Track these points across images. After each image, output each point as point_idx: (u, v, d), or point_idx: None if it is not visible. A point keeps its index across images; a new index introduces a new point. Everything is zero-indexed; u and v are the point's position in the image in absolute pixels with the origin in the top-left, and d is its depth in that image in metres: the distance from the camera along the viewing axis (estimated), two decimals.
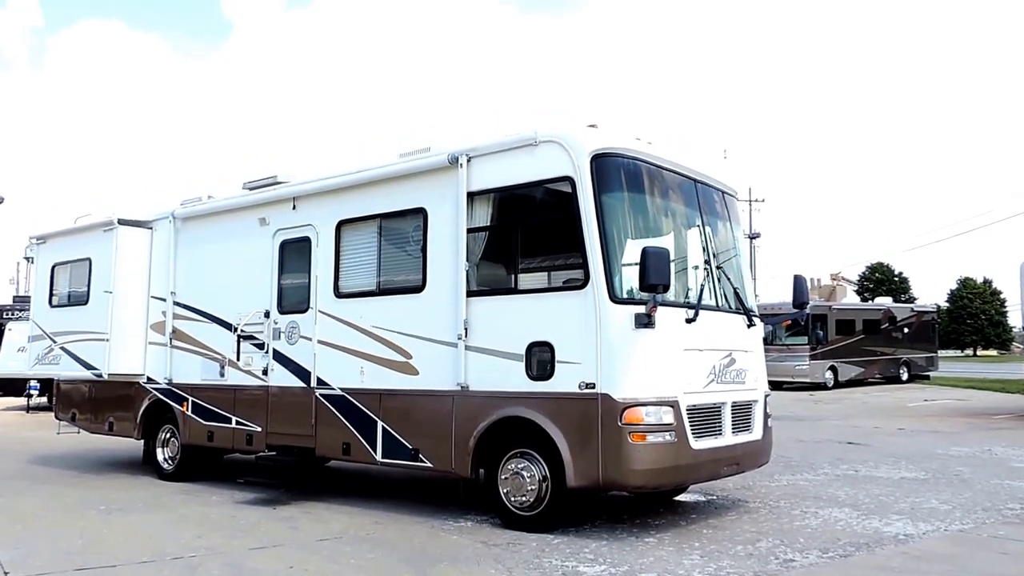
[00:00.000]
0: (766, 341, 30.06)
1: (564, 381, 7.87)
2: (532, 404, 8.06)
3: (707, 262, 8.77)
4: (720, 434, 8.41)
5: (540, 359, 8.04)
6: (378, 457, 9.20)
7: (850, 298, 53.76)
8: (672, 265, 7.74)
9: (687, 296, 8.53)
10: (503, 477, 8.27)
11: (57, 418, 13.78)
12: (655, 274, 7.33)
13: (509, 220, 8.57)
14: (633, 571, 6.74)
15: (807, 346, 32.12)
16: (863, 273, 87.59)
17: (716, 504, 9.69)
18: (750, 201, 55.24)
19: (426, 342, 8.88)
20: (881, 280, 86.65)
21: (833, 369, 32.74)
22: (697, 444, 8.00)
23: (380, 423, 9.19)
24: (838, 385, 32.78)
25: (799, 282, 9.87)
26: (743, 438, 8.76)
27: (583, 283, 7.83)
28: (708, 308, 8.49)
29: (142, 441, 12.29)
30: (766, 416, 9.27)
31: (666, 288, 7.51)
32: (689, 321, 8.12)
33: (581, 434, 7.74)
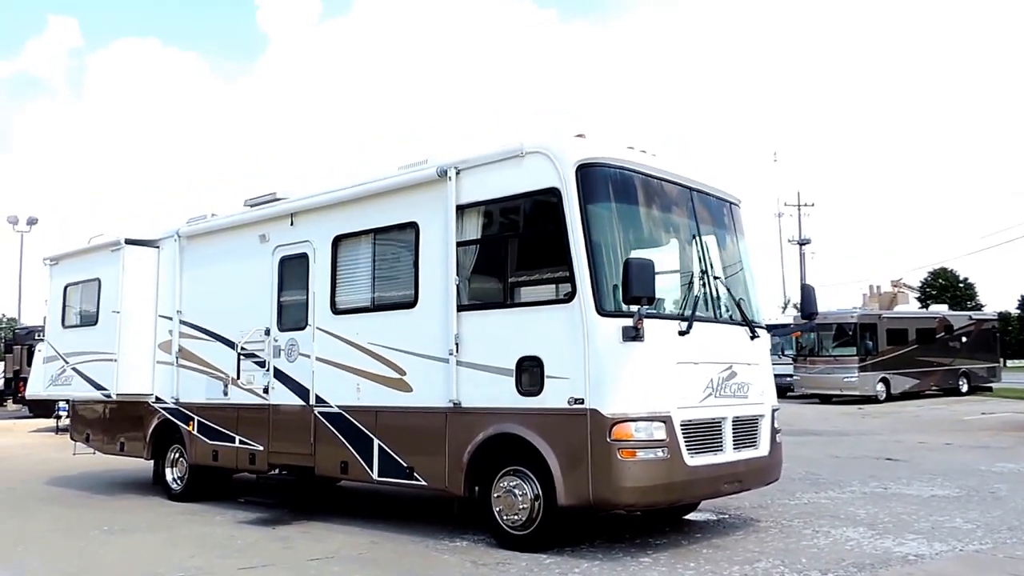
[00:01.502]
0: (812, 352, 29.70)
1: (553, 397, 7.61)
2: (523, 420, 7.82)
3: (704, 273, 8.45)
4: (720, 450, 8.05)
5: (530, 374, 7.80)
6: (375, 476, 9.02)
7: (912, 306, 52.28)
8: (659, 276, 7.45)
9: (682, 308, 8.20)
10: (496, 495, 8.03)
11: (72, 439, 13.87)
12: (638, 286, 7.05)
13: (498, 233, 8.39)
14: None
15: (856, 357, 31.14)
16: (925, 279, 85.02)
17: (725, 523, 9.30)
18: (799, 206, 54.21)
19: (419, 358, 8.70)
20: (944, 286, 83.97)
21: (885, 381, 31.66)
22: (693, 460, 7.66)
23: (376, 441, 9.02)
24: (891, 398, 31.70)
25: (807, 292, 9.52)
26: (746, 454, 8.38)
27: (570, 296, 7.59)
28: (704, 320, 8.18)
29: (152, 461, 12.25)
30: (774, 431, 8.88)
31: (651, 300, 7.22)
32: (682, 333, 7.81)
33: (571, 451, 7.47)
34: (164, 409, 11.74)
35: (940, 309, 40.37)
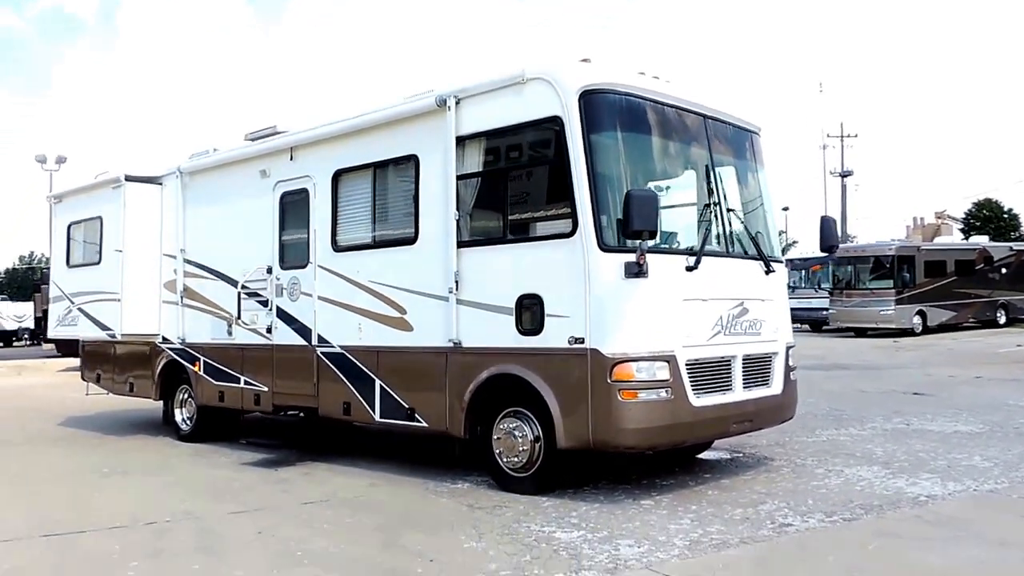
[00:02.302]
0: (849, 286, 29.28)
1: (554, 336, 7.32)
2: (522, 361, 7.55)
3: (715, 204, 8.02)
4: (729, 390, 7.75)
5: (530, 313, 7.51)
6: (376, 417, 8.84)
7: (956, 237, 51.00)
8: (668, 210, 7.14)
9: (691, 243, 7.81)
10: (496, 437, 7.82)
11: (83, 379, 13.86)
12: (640, 219, 6.67)
13: (499, 165, 8.01)
14: (611, 536, 6.23)
15: (892, 290, 30.47)
16: (969, 211, 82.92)
17: (738, 463, 9.05)
18: (841, 137, 52.77)
19: (419, 296, 8.43)
20: (988, 217, 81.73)
21: (921, 314, 30.97)
22: (699, 401, 7.37)
23: (378, 381, 8.82)
24: (927, 331, 31.04)
25: (826, 224, 9.02)
26: (758, 393, 8.07)
27: (571, 231, 7.23)
28: (715, 254, 7.81)
29: (161, 402, 12.20)
30: (788, 369, 8.53)
31: (653, 235, 6.84)
32: (690, 269, 7.45)
33: (571, 392, 7.21)
34: (171, 349, 11.63)
35: (980, 240, 39.29)
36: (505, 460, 7.76)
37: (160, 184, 11.92)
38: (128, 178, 11.78)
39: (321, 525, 6.90)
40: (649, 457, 9.18)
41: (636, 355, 7.02)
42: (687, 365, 7.28)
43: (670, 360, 7.15)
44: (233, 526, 7.00)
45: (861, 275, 31.81)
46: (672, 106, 7.89)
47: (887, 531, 6.20)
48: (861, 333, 31.52)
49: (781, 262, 8.86)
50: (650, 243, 7.02)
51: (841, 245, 38.82)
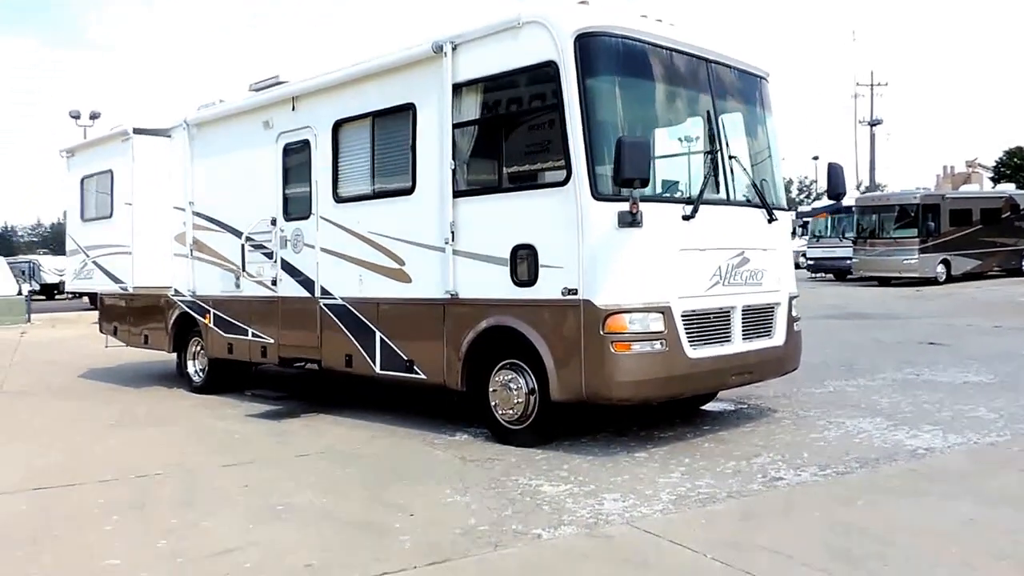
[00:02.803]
0: (872, 235, 28.76)
1: (547, 287, 7.25)
2: (517, 312, 7.50)
3: (716, 152, 7.83)
4: (728, 341, 7.65)
5: (524, 263, 7.42)
6: (377, 369, 8.85)
7: (987, 186, 49.97)
8: (668, 157, 6.96)
9: (689, 191, 7.67)
10: (492, 389, 7.80)
11: (101, 331, 14.01)
12: (631, 167, 6.51)
13: (494, 113, 7.85)
14: (598, 490, 6.22)
15: (916, 239, 29.92)
16: (999, 159, 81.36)
17: (740, 414, 8.98)
18: (871, 86, 51.62)
19: (417, 247, 8.37)
20: (1020, 166, 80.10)
21: (945, 263, 30.41)
22: (695, 353, 7.28)
23: (378, 333, 8.81)
24: (951, 280, 30.52)
25: (834, 171, 8.78)
26: (759, 344, 7.97)
27: (565, 179, 7.09)
28: (715, 203, 7.65)
29: (175, 354, 12.31)
30: (792, 320, 8.43)
31: (645, 183, 6.69)
32: (687, 218, 7.30)
33: (564, 344, 7.15)
34: (182, 302, 11.69)
35: (1007, 188, 38.46)
36: (501, 413, 7.75)
37: (169, 137, 11.89)
38: (136, 131, 11.77)
39: (310, 478, 6.94)
40: (652, 409, 9.14)
41: (630, 306, 6.94)
42: (683, 316, 7.19)
43: (665, 312, 7.06)
44: (222, 479, 7.06)
45: (885, 224, 31.25)
46: (673, 50, 7.66)
47: (879, 486, 6.12)
48: (885, 282, 31.03)
49: (786, 210, 8.69)
50: (644, 192, 6.89)
51: (865, 194, 38.33)
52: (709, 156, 7.83)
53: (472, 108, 7.95)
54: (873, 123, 50.56)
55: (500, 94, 7.76)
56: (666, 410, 9.05)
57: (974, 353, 12.94)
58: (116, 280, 12.15)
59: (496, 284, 7.61)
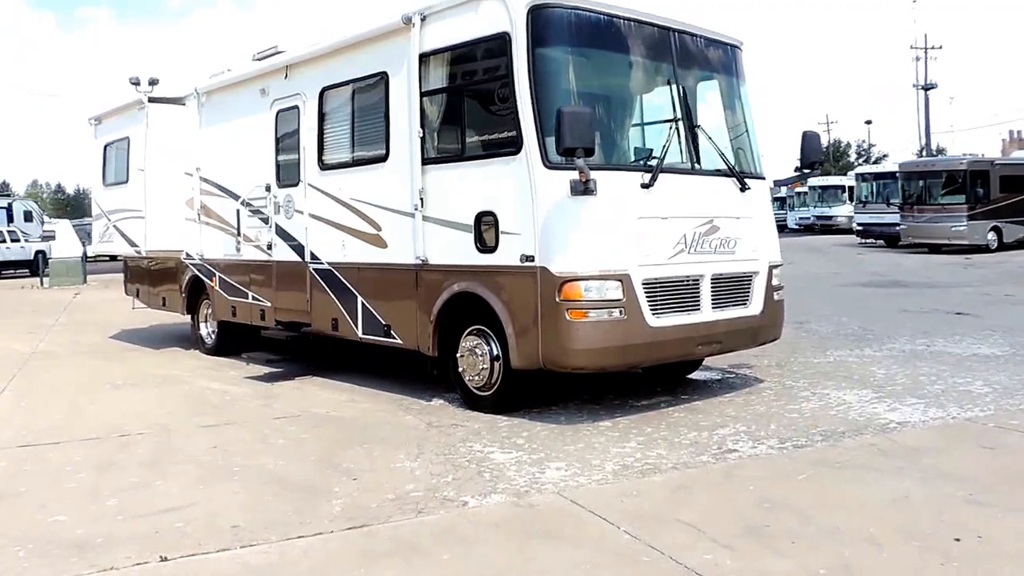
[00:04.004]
0: (920, 201, 27.89)
1: (507, 254, 7.24)
2: (481, 279, 7.51)
3: (678, 121, 7.70)
4: (696, 310, 7.53)
5: (486, 230, 7.43)
6: (360, 333, 8.94)
7: None
8: (617, 126, 6.86)
9: (649, 159, 7.54)
10: (459, 355, 7.83)
11: (126, 293, 14.37)
12: (572, 136, 6.44)
13: (457, 83, 7.89)
14: (545, 459, 6.21)
15: (965, 205, 28.93)
16: None
17: (725, 383, 8.86)
18: (925, 49, 49.80)
19: (392, 213, 8.41)
20: None
21: (996, 230, 29.38)
22: (657, 321, 7.18)
23: (360, 298, 8.89)
24: (1003, 247, 29.51)
25: (808, 139, 8.50)
26: (731, 313, 7.82)
27: (517, 149, 7.08)
28: (677, 171, 7.54)
29: (189, 316, 12.58)
30: (772, 289, 8.25)
31: (589, 152, 6.59)
32: (645, 186, 7.19)
33: (523, 311, 7.14)
34: (193, 265, 11.90)
35: None
36: (468, 378, 7.77)
37: (183, 105, 12.05)
38: (151, 99, 12.02)
39: (277, 440, 7.08)
40: (636, 377, 9.10)
41: (585, 274, 6.87)
42: (644, 284, 7.09)
43: (623, 279, 6.97)
44: (196, 440, 7.21)
45: (932, 190, 30.27)
46: (632, 20, 7.57)
47: (831, 460, 5.98)
48: (935, 249, 30.08)
49: (761, 179, 8.48)
50: (599, 160, 6.87)
51: (911, 159, 37.11)
52: (671, 125, 7.70)
53: (437, 78, 7.98)
54: (927, 87, 48.82)
55: (462, 64, 7.80)
56: (650, 378, 8.99)
57: (999, 324, 12.51)
58: (132, 244, 12.47)
59: (462, 250, 7.62)
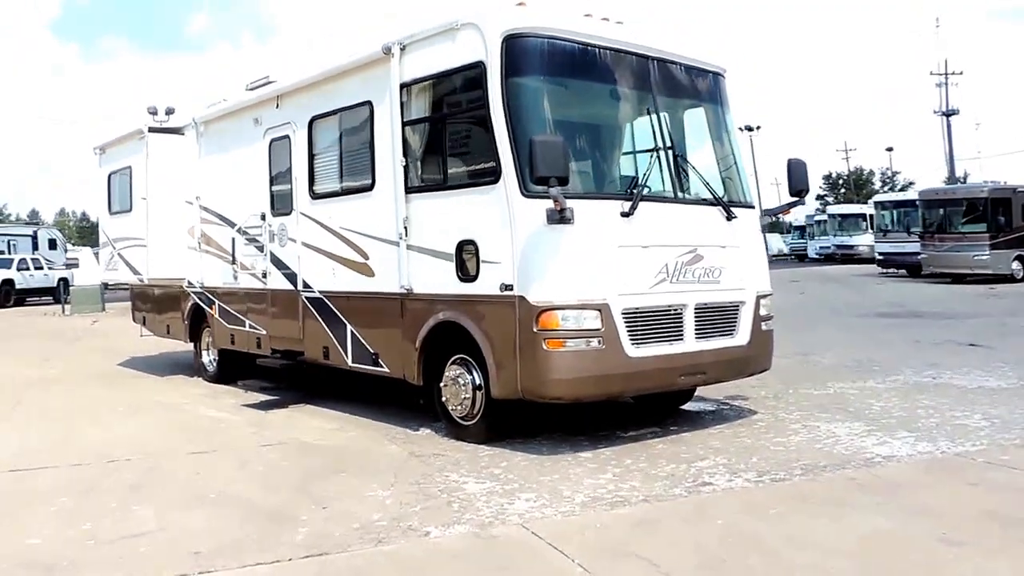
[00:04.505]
0: (940, 229, 27.40)
1: (487, 283, 7.22)
2: (462, 308, 7.49)
3: (660, 149, 7.67)
4: (678, 340, 7.43)
5: (467, 259, 7.42)
6: (349, 362, 8.94)
7: None
8: (595, 154, 6.87)
9: (630, 188, 7.48)
10: (443, 385, 7.79)
11: (134, 321, 14.50)
12: (545, 165, 6.42)
13: (437, 112, 7.93)
14: (518, 489, 6.15)
15: (987, 234, 28.44)
16: None
17: (718, 415, 8.74)
18: (945, 75, 49.44)
19: (379, 242, 8.43)
20: None
21: (1021, 259, 28.89)
22: (637, 351, 7.11)
23: (349, 326, 8.90)
24: None
25: (795, 167, 8.35)
26: (716, 344, 7.71)
27: (496, 178, 7.08)
28: (659, 199, 7.50)
29: (191, 344, 12.65)
30: (759, 319, 8.13)
31: (562, 181, 6.56)
32: (625, 215, 7.14)
33: (502, 340, 7.10)
34: (194, 293, 11.99)
35: None
36: (451, 408, 7.73)
37: (182, 134, 12.21)
38: (151, 129, 12.20)
39: (258, 468, 7.10)
40: (628, 407, 9.01)
41: (562, 303, 6.82)
42: (624, 314, 7.02)
43: (601, 309, 6.90)
44: (181, 466, 7.24)
45: (952, 218, 29.78)
46: (610, 48, 7.55)
47: (805, 495, 5.86)
48: (958, 279, 29.57)
49: (750, 207, 8.39)
50: (578, 189, 6.92)
51: (930, 187, 36.58)
52: (652, 153, 7.67)
53: (418, 107, 8.02)
54: (948, 113, 48.44)
55: (442, 93, 7.84)
56: (642, 409, 8.90)
57: (1011, 357, 12.25)
58: (135, 272, 12.63)
59: (444, 279, 7.61)
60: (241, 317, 10.89)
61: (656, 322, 7.27)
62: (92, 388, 11.85)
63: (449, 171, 7.74)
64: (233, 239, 10.90)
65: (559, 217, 6.71)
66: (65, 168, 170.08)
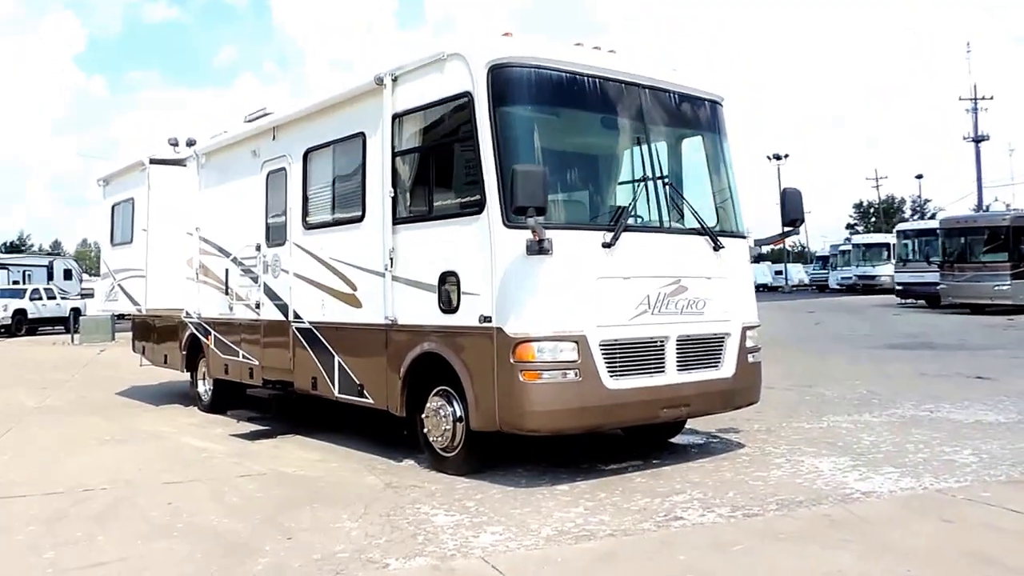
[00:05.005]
0: (961, 259, 26.79)
1: (468, 314, 7.19)
2: (444, 339, 7.46)
3: (646, 179, 7.64)
4: (659, 372, 7.37)
5: (448, 290, 7.40)
6: (336, 393, 8.94)
7: None
8: (578, 184, 6.84)
9: (612, 218, 7.45)
10: (424, 416, 7.75)
11: (134, 351, 14.60)
12: (525, 195, 6.40)
13: (425, 142, 7.93)
14: (487, 522, 6.11)
15: (1008, 263, 27.96)
16: None
17: (705, 448, 8.64)
18: (974, 99, 49.11)
19: (367, 274, 8.43)
20: None
21: None
22: (616, 384, 7.04)
23: (336, 357, 8.90)
24: None
25: (790, 197, 8.25)
26: (700, 376, 7.63)
27: (480, 208, 7.06)
28: (644, 230, 7.47)
29: (188, 374, 12.70)
30: (746, 351, 8.04)
31: (541, 211, 6.54)
32: (607, 245, 7.10)
33: (481, 372, 7.06)
34: (192, 323, 12.07)
35: None
36: (432, 439, 7.69)
37: (184, 166, 12.35)
38: (152, 161, 12.36)
39: (232, 499, 7.08)
40: (617, 438, 8.94)
41: (538, 335, 6.78)
42: (602, 346, 6.97)
43: (579, 340, 6.86)
44: (154, 496, 7.23)
45: (973, 247, 29.32)
46: (598, 76, 7.53)
47: (775, 531, 5.75)
48: (978, 310, 29.13)
49: (741, 238, 8.33)
50: (559, 219, 6.90)
51: (951, 215, 36.12)
52: (639, 183, 7.64)
53: (407, 138, 8.04)
54: (978, 139, 48.05)
55: (429, 124, 7.84)
56: (630, 441, 8.83)
57: (1014, 389, 12.05)
58: (134, 302, 12.74)
59: (427, 311, 7.60)
60: (235, 347, 10.94)
61: (636, 354, 7.21)
62: (85, 417, 11.92)
63: (435, 202, 7.74)
64: (228, 270, 10.99)
65: (538, 248, 6.69)
66: (90, 199, 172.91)
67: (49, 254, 62.97)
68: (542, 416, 6.84)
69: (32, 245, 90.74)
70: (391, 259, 7.95)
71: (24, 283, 38.41)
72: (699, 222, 7.83)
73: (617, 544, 5.57)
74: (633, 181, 7.77)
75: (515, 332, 6.79)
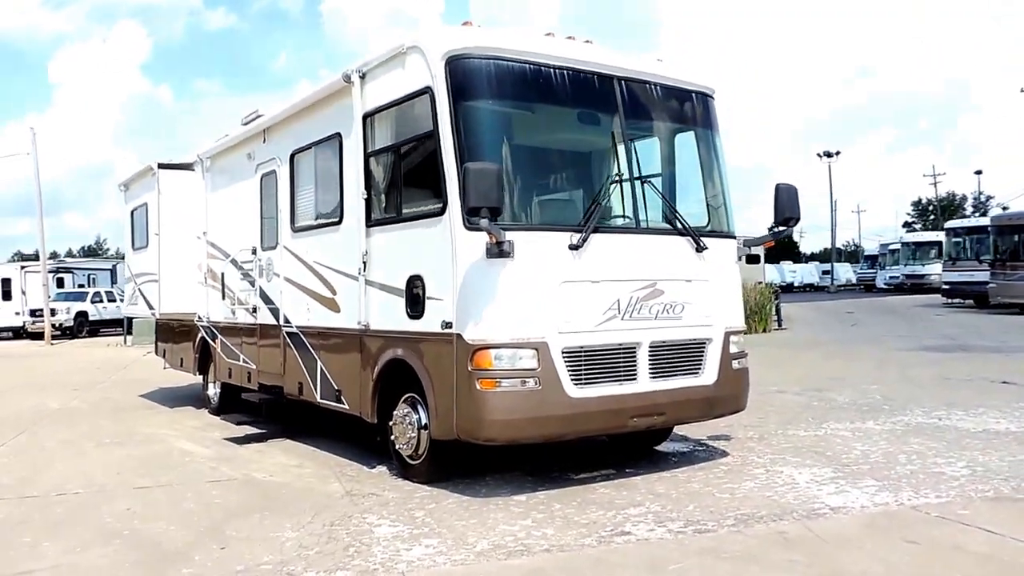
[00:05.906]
0: (1014, 258, 25.67)
1: (431, 320, 7.03)
2: (409, 345, 7.33)
3: (622, 176, 7.34)
4: (630, 380, 7.10)
5: (415, 295, 7.23)
6: (318, 397, 8.89)
7: None
8: (544, 181, 6.62)
9: (581, 219, 7.10)
10: (392, 423, 7.64)
11: (156, 354, 14.83)
12: (477, 195, 6.15)
13: (395, 141, 7.71)
14: (426, 534, 5.99)
15: None
16: None
17: (687, 457, 8.39)
18: None
19: (344, 277, 8.33)
20: None
21: None
22: (580, 392, 6.81)
23: (319, 362, 8.86)
24: None
25: (783, 193, 7.71)
26: (677, 383, 7.33)
27: (442, 209, 6.86)
28: (617, 230, 7.20)
29: (200, 377, 12.83)
30: (729, 357, 7.72)
31: (495, 212, 6.29)
32: (574, 248, 6.84)
33: (442, 380, 6.91)
34: (202, 327, 12.13)
35: None
36: (399, 446, 7.58)
37: (192, 170, 12.47)
38: (161, 166, 12.48)
39: (188, 506, 7.06)
40: (603, 443, 8.76)
41: (496, 342, 6.58)
42: (565, 353, 6.76)
43: (539, 347, 6.65)
44: (118, 501, 7.24)
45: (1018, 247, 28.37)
46: (565, 68, 7.17)
47: (721, 550, 5.50)
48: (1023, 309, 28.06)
49: (729, 238, 7.94)
50: (523, 220, 6.77)
51: (1004, 212, 34.77)
52: (612, 181, 7.34)
53: (379, 137, 7.86)
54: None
55: (397, 122, 7.63)
56: (615, 447, 8.64)
57: None
58: (150, 306, 12.93)
59: (396, 316, 7.46)
60: (236, 351, 10.99)
61: (603, 361, 6.96)
62: (98, 420, 12.10)
63: (403, 203, 7.53)
64: (226, 273, 11.05)
65: (498, 251, 6.46)
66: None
67: (119, 257, 64.76)
68: (499, 425, 6.66)
69: (108, 249, 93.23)
70: (364, 263, 7.85)
71: (89, 286, 39.50)
72: (680, 222, 7.50)
73: (548, 561, 5.39)
74: (607, 180, 7.44)
75: (473, 339, 6.62)
